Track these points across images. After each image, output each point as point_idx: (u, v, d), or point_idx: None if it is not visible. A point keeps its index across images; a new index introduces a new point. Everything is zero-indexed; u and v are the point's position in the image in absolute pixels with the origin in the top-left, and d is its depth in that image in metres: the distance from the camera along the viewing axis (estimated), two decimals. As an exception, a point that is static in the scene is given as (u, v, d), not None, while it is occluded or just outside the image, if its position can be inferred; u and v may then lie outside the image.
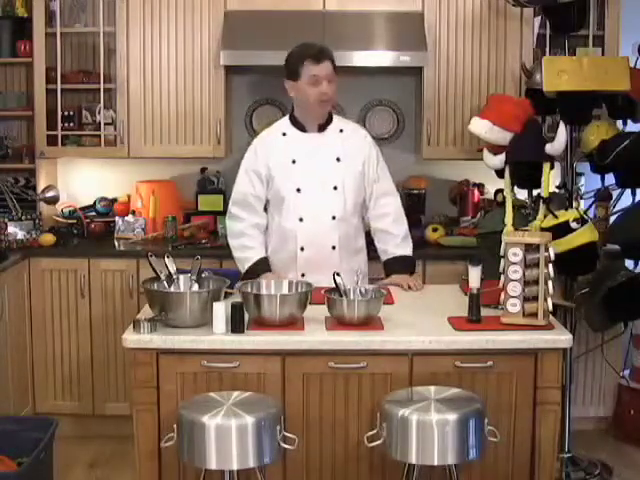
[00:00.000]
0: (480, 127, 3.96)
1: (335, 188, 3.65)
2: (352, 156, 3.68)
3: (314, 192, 3.64)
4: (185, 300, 3.02)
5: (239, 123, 5.03)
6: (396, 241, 3.77)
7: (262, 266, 3.65)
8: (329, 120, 3.70)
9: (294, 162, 3.64)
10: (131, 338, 2.97)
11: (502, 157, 3.91)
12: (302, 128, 3.67)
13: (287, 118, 3.74)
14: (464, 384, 2.95)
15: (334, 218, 3.65)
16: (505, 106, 3.98)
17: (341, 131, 3.71)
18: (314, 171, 3.64)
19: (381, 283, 3.63)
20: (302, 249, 3.66)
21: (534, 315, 3.02)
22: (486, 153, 4.03)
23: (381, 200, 3.77)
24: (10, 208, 4.67)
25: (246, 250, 3.71)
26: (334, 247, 3.67)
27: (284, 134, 3.69)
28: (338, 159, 3.66)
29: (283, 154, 3.65)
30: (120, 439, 4.12)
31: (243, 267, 3.70)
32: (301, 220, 3.64)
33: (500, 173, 4.01)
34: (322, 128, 3.68)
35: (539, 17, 4.50)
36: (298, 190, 3.63)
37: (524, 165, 3.85)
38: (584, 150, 4.02)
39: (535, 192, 3.91)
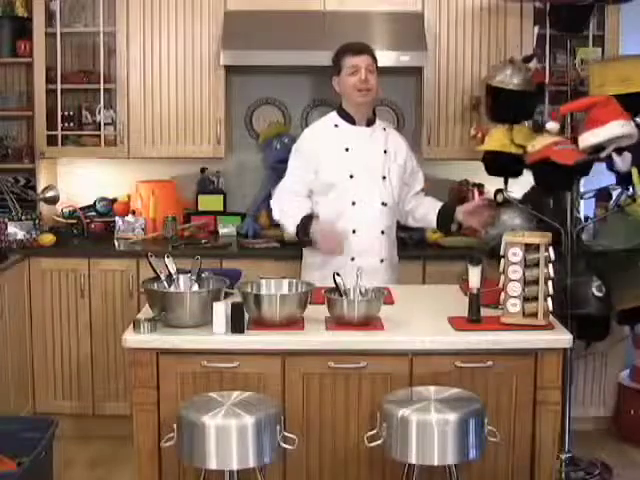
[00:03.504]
0: (622, 128, 3.64)
1: (384, 178, 3.84)
2: (395, 152, 3.90)
3: (366, 179, 3.81)
4: (185, 300, 3.03)
5: (239, 123, 5.03)
6: (434, 200, 4.03)
7: (309, 220, 3.78)
8: (374, 117, 3.91)
9: (347, 150, 3.80)
10: (131, 338, 2.97)
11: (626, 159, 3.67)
12: (352, 121, 3.83)
13: (335, 113, 3.90)
14: (464, 384, 2.94)
15: (384, 204, 3.84)
16: (616, 105, 3.72)
17: (384, 129, 3.93)
18: (366, 160, 3.83)
19: (465, 207, 3.90)
20: (354, 232, 3.81)
21: (534, 315, 3.02)
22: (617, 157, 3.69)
23: (420, 194, 4.04)
24: (10, 208, 4.67)
25: (289, 213, 3.84)
26: (382, 232, 3.86)
27: (336, 125, 3.85)
28: (385, 152, 3.86)
29: (336, 143, 3.81)
30: (120, 439, 4.11)
31: (291, 229, 3.83)
32: (353, 204, 3.80)
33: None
34: (370, 123, 3.86)
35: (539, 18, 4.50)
36: (351, 176, 3.79)
37: None
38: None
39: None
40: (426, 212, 3.99)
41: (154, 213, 4.81)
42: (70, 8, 4.74)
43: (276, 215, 3.93)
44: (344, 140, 3.81)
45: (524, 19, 4.56)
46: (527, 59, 4.03)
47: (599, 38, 4.57)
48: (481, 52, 4.61)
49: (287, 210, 3.86)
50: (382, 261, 3.87)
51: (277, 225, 4.63)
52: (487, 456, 2.88)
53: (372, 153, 3.84)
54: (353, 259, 3.78)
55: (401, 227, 4.40)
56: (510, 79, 3.91)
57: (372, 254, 3.82)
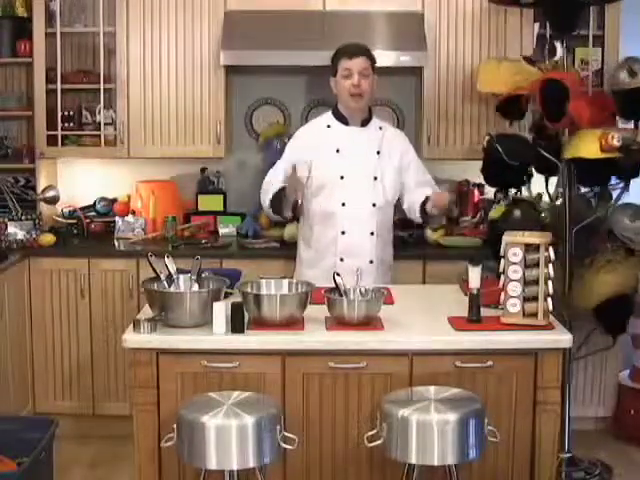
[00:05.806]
0: None
1: (375, 178, 3.82)
2: (390, 151, 3.88)
3: (356, 180, 3.81)
4: (185, 300, 3.03)
5: (239, 123, 5.03)
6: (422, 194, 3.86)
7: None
8: (370, 117, 3.89)
9: (338, 151, 3.80)
10: (131, 338, 2.97)
11: None
12: (345, 122, 3.84)
13: (330, 113, 3.91)
14: (464, 384, 2.95)
15: (374, 205, 3.83)
16: None
17: (380, 128, 3.91)
18: (356, 161, 3.81)
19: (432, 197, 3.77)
20: (343, 233, 3.81)
21: (534, 315, 3.02)
22: None
23: (420, 188, 3.88)
24: (10, 208, 4.67)
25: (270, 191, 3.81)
26: (372, 233, 3.84)
27: (328, 126, 3.86)
28: (378, 152, 3.85)
29: (327, 143, 3.81)
30: (120, 439, 4.10)
31: (268, 198, 3.81)
32: (343, 205, 3.80)
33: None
34: (364, 123, 3.85)
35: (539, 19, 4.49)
36: (341, 177, 3.79)
37: None
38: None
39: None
40: (414, 205, 3.87)
41: (154, 213, 4.80)
42: (70, 8, 4.74)
43: (264, 205, 3.89)
44: (335, 141, 3.81)
45: (524, 19, 4.55)
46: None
47: (599, 38, 4.57)
48: (481, 52, 4.61)
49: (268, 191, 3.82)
50: (371, 262, 3.84)
51: (277, 225, 4.65)
52: (487, 456, 2.88)
53: (364, 153, 3.83)
54: (342, 260, 3.79)
55: (401, 226, 4.40)
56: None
57: (361, 255, 3.80)
